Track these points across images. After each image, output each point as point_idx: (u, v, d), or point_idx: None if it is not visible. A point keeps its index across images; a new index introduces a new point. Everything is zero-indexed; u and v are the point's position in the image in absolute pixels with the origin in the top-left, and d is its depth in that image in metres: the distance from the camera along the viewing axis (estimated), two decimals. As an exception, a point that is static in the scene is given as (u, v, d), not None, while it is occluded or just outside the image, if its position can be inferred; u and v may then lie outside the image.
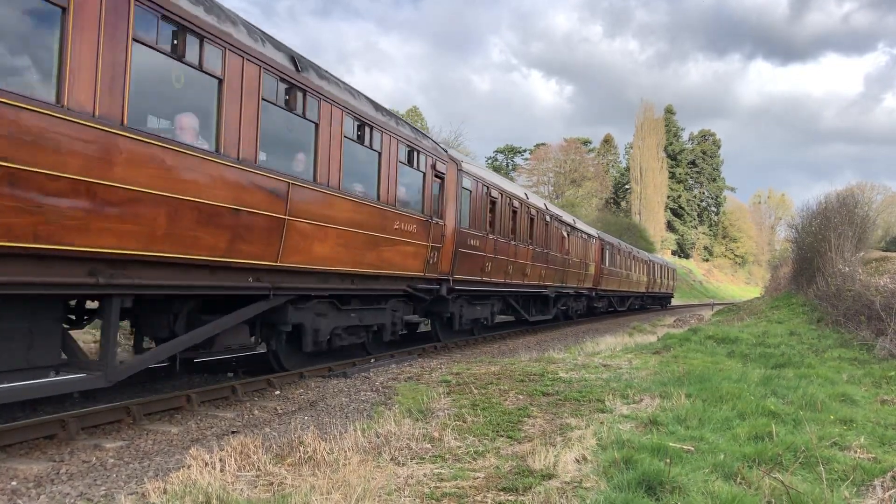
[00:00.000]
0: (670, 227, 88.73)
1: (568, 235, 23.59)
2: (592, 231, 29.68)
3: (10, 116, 4.90)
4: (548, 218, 21.16)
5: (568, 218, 25.14)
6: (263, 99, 7.67)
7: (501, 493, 4.59)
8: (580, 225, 27.50)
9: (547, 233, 20.95)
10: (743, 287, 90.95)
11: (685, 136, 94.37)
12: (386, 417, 6.81)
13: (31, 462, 5.42)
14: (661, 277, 48.22)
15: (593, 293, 28.67)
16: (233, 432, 6.61)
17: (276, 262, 8.04)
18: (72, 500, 4.62)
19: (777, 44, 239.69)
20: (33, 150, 5.06)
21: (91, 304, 7.09)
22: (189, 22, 6.55)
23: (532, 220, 19.42)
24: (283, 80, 8.04)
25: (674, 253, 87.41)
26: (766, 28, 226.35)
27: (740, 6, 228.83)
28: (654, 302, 48.80)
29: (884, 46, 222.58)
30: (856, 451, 5.64)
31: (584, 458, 5.28)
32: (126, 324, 8.62)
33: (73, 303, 6.96)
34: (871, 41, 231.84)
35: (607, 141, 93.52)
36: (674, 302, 60.21)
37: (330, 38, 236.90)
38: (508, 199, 17.40)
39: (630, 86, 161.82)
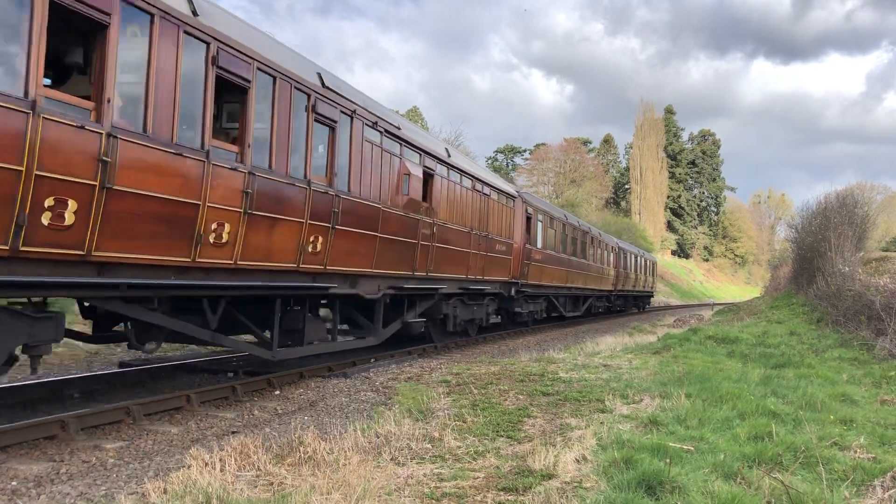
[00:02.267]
0: (670, 227, 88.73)
1: (427, 177, 12.31)
2: (508, 187, 18.43)
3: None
4: (352, 125, 9.71)
5: (433, 145, 13.13)
6: None
7: (501, 493, 4.59)
8: (466, 163, 14.93)
9: (351, 158, 9.65)
10: (743, 287, 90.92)
11: (685, 136, 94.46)
12: (386, 417, 6.81)
13: (31, 462, 5.42)
14: (635, 271, 37.64)
15: (512, 291, 17.73)
16: (233, 432, 6.61)
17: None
18: (72, 500, 4.62)
19: (779, 42, 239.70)
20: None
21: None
22: None
23: (273, 112, 8.05)
24: None
25: (674, 253, 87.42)
26: (768, 26, 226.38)
27: (743, 4, 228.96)
28: (628, 303, 38.63)
29: (887, 45, 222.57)
30: (856, 451, 5.64)
31: (584, 458, 5.29)
32: None
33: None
34: (875, 39, 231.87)
35: (607, 141, 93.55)
36: (673, 302, 59.81)
37: (330, 37, 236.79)
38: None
39: (631, 85, 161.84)
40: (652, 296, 46.94)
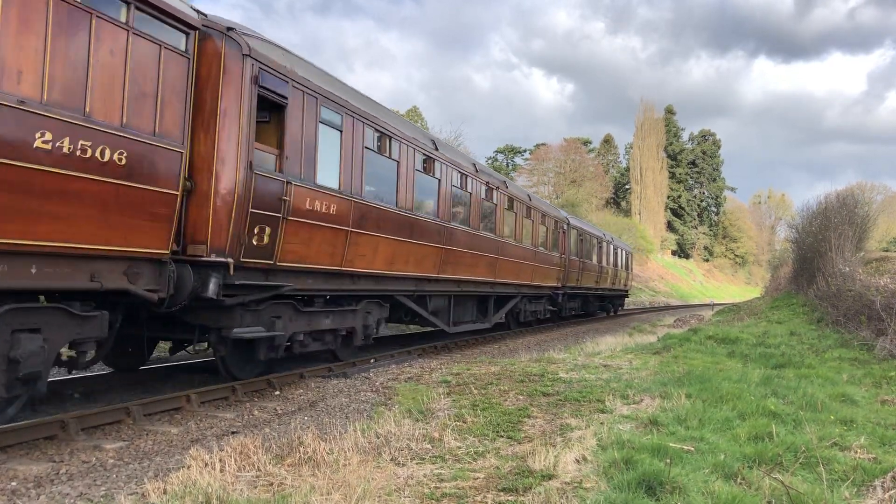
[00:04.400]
0: (670, 227, 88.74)
1: None
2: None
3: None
4: None
5: None
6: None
7: (501, 493, 4.59)
8: None
9: None
10: (743, 287, 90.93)
11: (685, 136, 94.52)
12: (386, 418, 6.81)
13: (31, 462, 5.42)
14: (600, 262, 27.98)
15: (210, 287, 7.30)
16: (233, 433, 6.61)
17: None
18: (71, 501, 4.62)
19: (781, 41, 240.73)
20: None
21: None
22: None
23: None
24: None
25: (674, 253, 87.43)
26: (770, 24, 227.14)
27: (745, 2, 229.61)
28: (589, 305, 28.32)
29: (890, 43, 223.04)
30: (856, 452, 5.63)
31: (585, 459, 5.28)
32: None
33: None
34: (878, 38, 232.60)
35: (607, 141, 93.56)
36: (673, 302, 59.73)
37: (330, 36, 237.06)
38: None
39: (632, 84, 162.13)
40: (626, 295, 36.63)
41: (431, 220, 12.67)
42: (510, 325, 19.84)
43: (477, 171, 15.28)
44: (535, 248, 19.32)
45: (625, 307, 37.80)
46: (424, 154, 12.41)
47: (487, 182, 15.71)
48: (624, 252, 34.38)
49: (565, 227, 22.86)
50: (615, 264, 31.48)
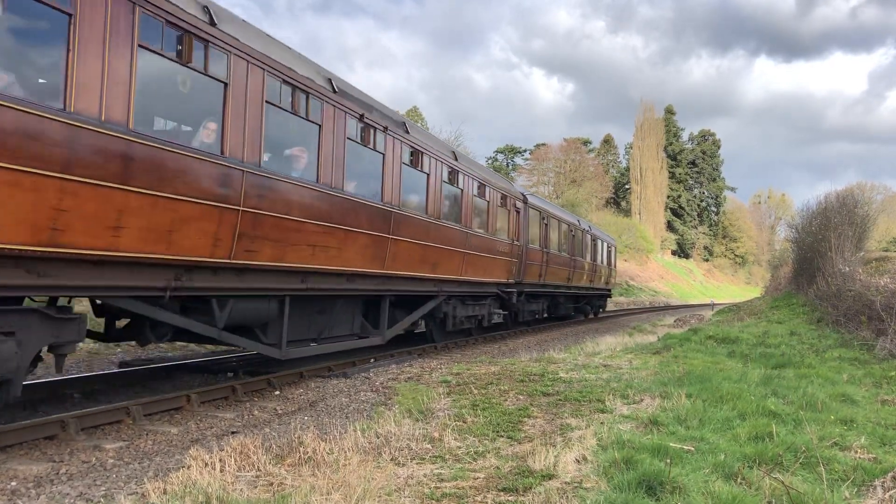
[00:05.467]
0: (670, 227, 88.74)
1: None
2: None
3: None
4: None
5: None
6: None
7: (501, 493, 4.59)
8: None
9: None
10: (743, 287, 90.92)
11: (685, 136, 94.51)
12: (386, 418, 6.81)
13: (31, 462, 5.42)
14: (573, 253, 23.09)
15: None
16: (233, 432, 6.61)
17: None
18: (71, 501, 4.62)
19: (782, 40, 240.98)
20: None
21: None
22: None
23: None
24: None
25: (674, 253, 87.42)
26: (771, 23, 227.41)
27: (747, 1, 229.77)
28: (558, 307, 23.06)
29: (893, 42, 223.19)
30: (856, 452, 5.63)
31: (585, 459, 5.28)
32: None
33: None
34: (879, 37, 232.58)
35: (607, 141, 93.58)
36: (673, 302, 59.68)
37: (330, 35, 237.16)
38: None
39: (632, 83, 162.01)
40: (608, 295, 31.98)
41: (207, 157, 6.70)
42: (433, 338, 14.33)
43: (335, 90, 8.97)
44: (465, 228, 13.55)
45: (606, 309, 32.71)
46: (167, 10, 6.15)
47: (362, 115, 9.55)
48: (605, 244, 29.18)
49: (519, 204, 17.43)
50: (594, 258, 26.34)
